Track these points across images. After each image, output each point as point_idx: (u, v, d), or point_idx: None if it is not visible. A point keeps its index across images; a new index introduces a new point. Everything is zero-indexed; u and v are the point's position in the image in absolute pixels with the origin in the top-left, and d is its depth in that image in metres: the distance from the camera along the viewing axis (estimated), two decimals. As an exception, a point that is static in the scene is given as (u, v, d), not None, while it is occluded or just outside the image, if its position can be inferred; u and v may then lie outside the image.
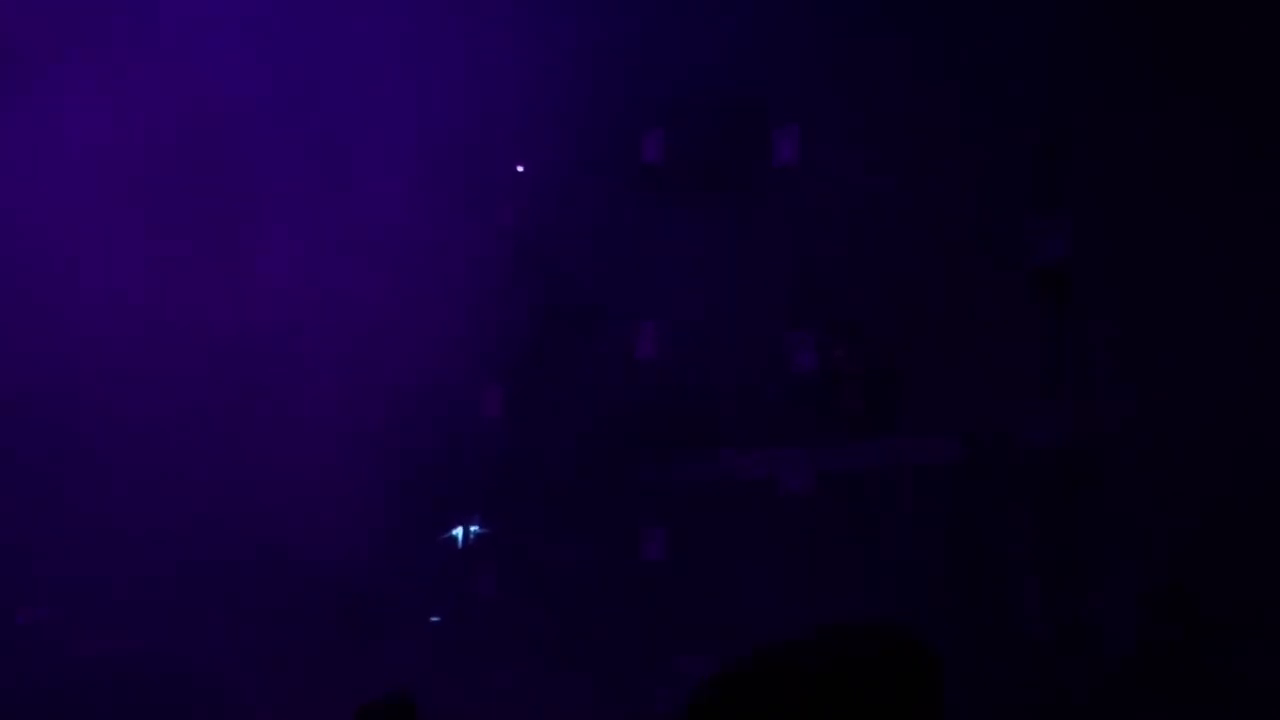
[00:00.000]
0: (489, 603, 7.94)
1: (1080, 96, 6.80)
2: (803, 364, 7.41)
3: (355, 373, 7.94)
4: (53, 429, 7.89)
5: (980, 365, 6.99)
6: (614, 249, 7.90)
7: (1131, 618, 6.57)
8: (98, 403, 7.79)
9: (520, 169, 8.14)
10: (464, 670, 7.60)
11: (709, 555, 7.56)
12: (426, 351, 7.72)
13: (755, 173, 7.59)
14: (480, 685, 7.47)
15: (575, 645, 7.48)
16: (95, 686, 7.52)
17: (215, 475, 7.83)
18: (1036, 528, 6.84)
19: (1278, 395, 6.17)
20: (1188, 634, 6.43)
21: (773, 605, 7.12)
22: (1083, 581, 6.70)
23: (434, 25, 7.93)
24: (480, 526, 8.06)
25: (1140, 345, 6.67)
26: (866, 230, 7.36)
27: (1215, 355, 6.40)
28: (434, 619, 8.02)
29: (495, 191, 8.17)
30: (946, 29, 7.01)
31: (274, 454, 7.67)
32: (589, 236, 7.83)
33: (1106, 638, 6.61)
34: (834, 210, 7.43)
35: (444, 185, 7.91)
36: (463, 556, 8.05)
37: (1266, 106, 6.28)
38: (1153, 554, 6.58)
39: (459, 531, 8.07)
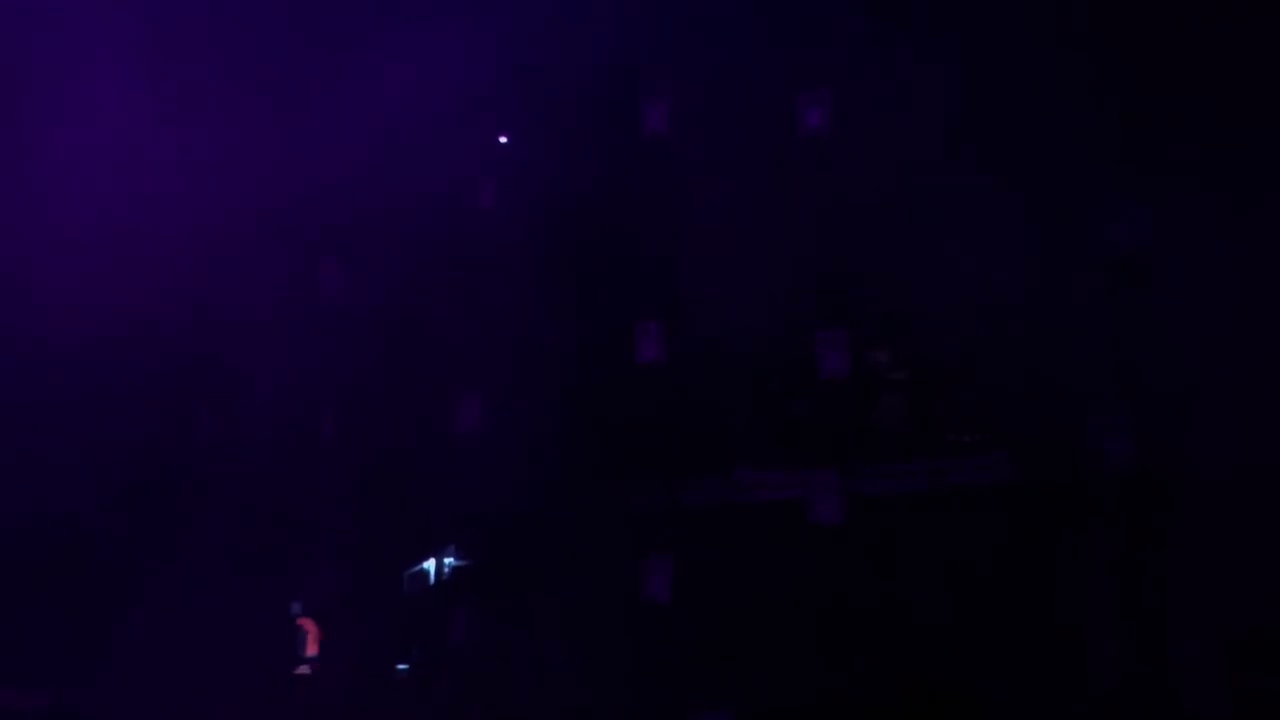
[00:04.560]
0: (464, 649, 7.48)
1: (1159, 69, 6.48)
2: (834, 368, 6.98)
3: (308, 378, 7.60)
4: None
5: (1044, 370, 6.59)
6: (613, 233, 7.48)
7: (1217, 665, 6.25)
8: None
9: (503, 140, 7.67)
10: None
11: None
12: (392, 353, 7.51)
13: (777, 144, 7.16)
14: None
15: (566, 700, 7.02)
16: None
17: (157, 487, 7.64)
18: (1107, 559, 6.46)
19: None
20: (1280, 684, 6.11)
21: (799, 651, 6.72)
22: (1161, 622, 6.36)
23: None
24: (455, 559, 7.62)
25: (1229, 346, 6.26)
26: (909, 211, 6.91)
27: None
28: (400, 668, 7.54)
29: (472, 168, 7.71)
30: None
31: (210, 469, 7.51)
32: (584, 219, 7.41)
33: (1188, 688, 6.29)
34: (871, 187, 6.98)
35: (414, 158, 7.55)
36: (434, 594, 7.64)
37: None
38: (1242, 591, 6.18)
39: (430, 565, 7.63)
